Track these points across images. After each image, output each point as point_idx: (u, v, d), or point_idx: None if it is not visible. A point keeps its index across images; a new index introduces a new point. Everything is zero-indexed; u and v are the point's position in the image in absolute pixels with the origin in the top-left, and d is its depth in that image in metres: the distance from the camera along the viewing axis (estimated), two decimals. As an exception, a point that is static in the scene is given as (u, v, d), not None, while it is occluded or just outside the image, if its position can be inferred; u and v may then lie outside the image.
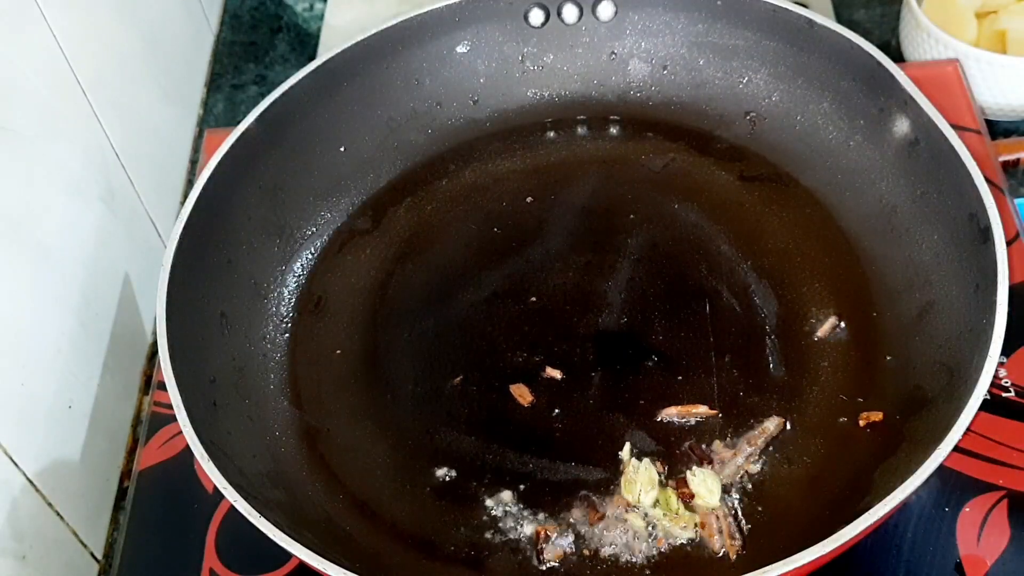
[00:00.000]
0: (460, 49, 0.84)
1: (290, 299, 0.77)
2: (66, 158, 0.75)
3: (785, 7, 0.78)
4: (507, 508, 0.65)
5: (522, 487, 0.65)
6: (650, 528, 0.63)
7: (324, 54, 0.80)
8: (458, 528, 0.64)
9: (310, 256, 0.79)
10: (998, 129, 0.90)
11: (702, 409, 0.67)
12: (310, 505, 0.66)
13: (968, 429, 0.56)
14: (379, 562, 0.62)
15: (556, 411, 0.69)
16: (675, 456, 0.66)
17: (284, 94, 0.77)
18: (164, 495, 0.69)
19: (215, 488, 0.58)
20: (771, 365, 0.70)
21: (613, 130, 0.85)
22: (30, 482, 0.65)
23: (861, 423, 0.65)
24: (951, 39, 0.86)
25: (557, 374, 0.70)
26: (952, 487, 0.64)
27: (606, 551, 0.62)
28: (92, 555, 0.72)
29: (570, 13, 0.84)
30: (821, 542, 0.53)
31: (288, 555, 0.57)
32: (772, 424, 0.66)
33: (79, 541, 0.70)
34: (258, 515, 0.57)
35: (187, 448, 0.60)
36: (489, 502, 0.65)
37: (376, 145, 0.83)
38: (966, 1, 0.90)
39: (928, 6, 0.92)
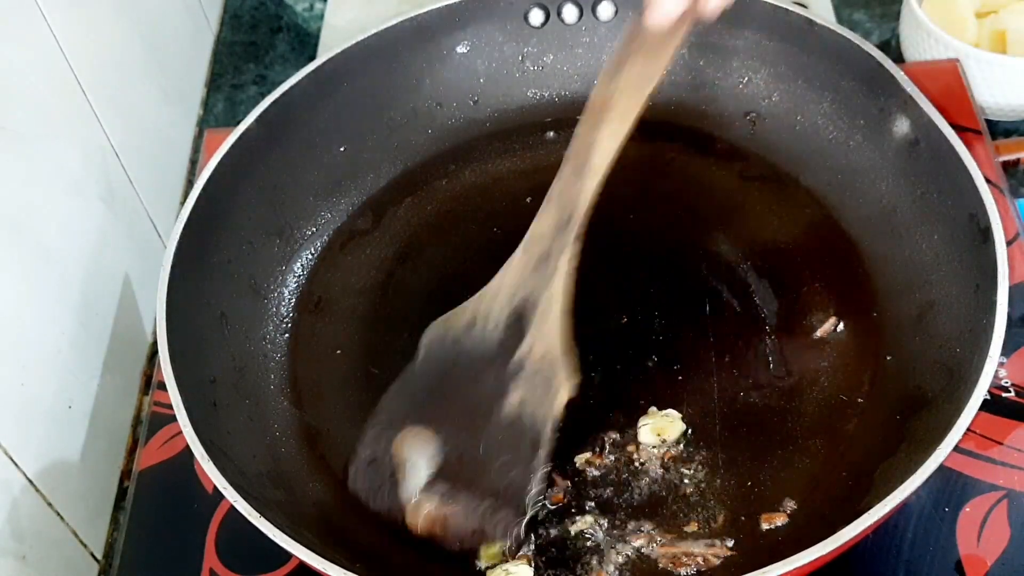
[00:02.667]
0: (460, 49, 0.84)
1: (290, 299, 0.77)
2: (66, 158, 0.75)
3: (785, 7, 0.78)
4: (507, 508, 0.65)
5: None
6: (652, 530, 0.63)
7: (324, 54, 0.80)
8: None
9: (310, 256, 0.79)
10: (998, 129, 0.90)
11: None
12: (310, 505, 0.66)
13: (968, 429, 0.56)
14: (379, 562, 0.62)
15: (556, 411, 0.69)
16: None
17: (284, 94, 0.77)
18: (164, 495, 0.69)
19: (215, 488, 0.58)
20: (771, 365, 0.69)
21: (613, 130, 0.85)
22: (30, 482, 0.65)
23: (765, 525, 0.63)
24: (951, 39, 0.86)
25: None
26: (952, 487, 0.64)
27: (615, 557, 0.62)
28: (92, 555, 0.72)
29: (570, 13, 0.84)
30: (821, 542, 0.53)
31: (288, 555, 0.57)
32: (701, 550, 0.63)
33: (79, 541, 0.70)
34: (258, 515, 0.57)
35: (187, 448, 0.60)
36: (489, 502, 0.65)
37: (376, 145, 0.83)
38: (966, 1, 0.90)
39: (928, 6, 0.92)
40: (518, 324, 0.62)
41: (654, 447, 0.66)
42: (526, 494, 0.60)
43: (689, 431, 0.66)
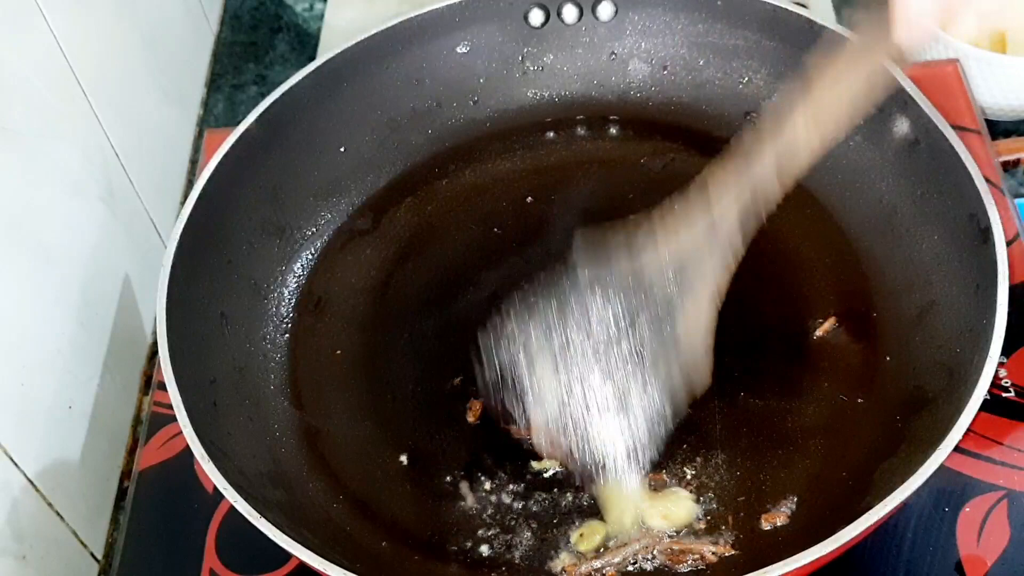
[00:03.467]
0: (460, 49, 0.84)
1: (290, 299, 0.77)
2: (66, 158, 0.75)
3: (785, 7, 0.78)
4: (508, 509, 0.65)
5: (523, 488, 0.65)
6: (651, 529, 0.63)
7: (324, 54, 0.80)
8: (458, 528, 0.64)
9: (310, 256, 0.79)
10: (998, 129, 0.90)
11: None
12: (310, 505, 0.66)
13: (968, 429, 0.56)
14: (379, 562, 0.62)
15: (556, 411, 0.69)
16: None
17: (284, 94, 0.77)
18: (164, 495, 0.69)
19: (215, 488, 0.58)
20: (771, 365, 0.69)
21: (613, 130, 0.85)
22: (30, 482, 0.65)
23: (765, 525, 0.63)
24: (951, 39, 0.86)
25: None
26: (952, 487, 0.64)
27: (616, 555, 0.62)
28: (92, 555, 0.72)
29: (570, 13, 0.84)
30: (821, 542, 0.53)
31: (288, 555, 0.57)
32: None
33: (79, 541, 0.70)
34: (258, 515, 0.57)
35: (187, 448, 0.60)
36: (490, 502, 0.65)
37: (376, 145, 0.83)
38: (966, 1, 0.90)
39: (928, 6, 0.91)
40: (674, 280, 0.62)
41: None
42: (636, 465, 0.62)
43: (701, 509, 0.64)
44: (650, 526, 0.62)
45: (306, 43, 1.07)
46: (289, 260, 0.78)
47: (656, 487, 0.64)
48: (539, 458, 0.66)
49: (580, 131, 0.86)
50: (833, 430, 0.66)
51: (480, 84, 0.86)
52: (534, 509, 0.64)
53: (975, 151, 0.67)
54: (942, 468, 0.55)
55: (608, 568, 0.61)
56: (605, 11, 0.84)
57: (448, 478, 0.66)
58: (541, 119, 0.86)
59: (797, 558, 0.52)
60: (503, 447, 0.67)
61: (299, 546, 0.55)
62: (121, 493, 0.76)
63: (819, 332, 0.71)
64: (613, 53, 0.86)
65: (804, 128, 0.57)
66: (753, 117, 0.82)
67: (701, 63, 0.84)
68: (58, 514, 0.68)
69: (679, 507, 0.63)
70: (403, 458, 0.68)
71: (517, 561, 0.62)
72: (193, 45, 1.03)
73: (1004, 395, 0.68)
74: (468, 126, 0.86)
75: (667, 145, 0.83)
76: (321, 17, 1.08)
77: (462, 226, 0.81)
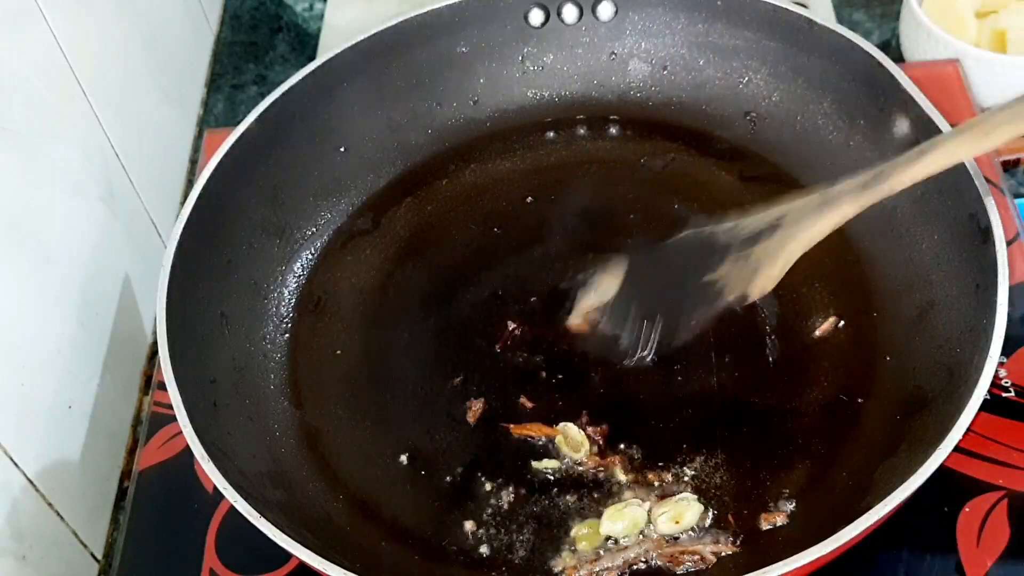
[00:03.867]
0: (460, 49, 0.84)
1: (290, 299, 0.77)
2: (66, 158, 0.75)
3: (785, 7, 0.78)
4: (508, 509, 0.65)
5: (523, 488, 0.65)
6: (651, 528, 0.63)
7: (324, 54, 0.80)
8: (459, 528, 0.64)
9: (310, 256, 0.79)
10: (998, 129, 0.90)
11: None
12: (310, 505, 0.66)
13: (968, 429, 0.56)
14: (379, 562, 0.62)
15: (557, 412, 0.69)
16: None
17: (284, 94, 0.77)
18: (164, 495, 0.69)
19: (215, 488, 0.58)
20: (771, 365, 0.69)
21: (613, 130, 0.85)
22: (30, 482, 0.65)
23: (765, 525, 0.63)
24: (951, 39, 0.86)
25: (558, 374, 0.70)
26: (952, 487, 0.64)
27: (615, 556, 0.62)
28: (92, 555, 0.72)
29: (570, 13, 0.84)
30: (821, 542, 0.53)
31: (288, 555, 0.57)
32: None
33: (79, 541, 0.70)
34: (258, 515, 0.57)
35: (187, 448, 0.60)
36: (490, 502, 0.65)
37: (376, 145, 0.83)
38: (966, 1, 0.90)
39: (928, 6, 0.92)
40: (767, 231, 0.65)
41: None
42: (673, 338, 0.67)
43: (710, 513, 0.63)
44: (661, 532, 0.62)
45: (306, 43, 1.07)
46: (289, 260, 0.78)
47: (662, 492, 0.64)
48: (539, 458, 0.66)
49: (580, 131, 0.86)
50: (833, 430, 0.66)
51: (480, 84, 0.86)
52: (534, 509, 0.64)
53: (975, 151, 0.67)
54: (942, 468, 0.55)
55: (608, 571, 0.61)
56: (605, 11, 0.84)
57: (448, 478, 0.66)
58: (541, 119, 0.86)
59: (797, 558, 0.52)
60: (503, 447, 0.67)
61: (299, 546, 0.55)
62: (121, 493, 0.76)
63: (819, 332, 0.71)
64: (613, 53, 0.86)
65: (963, 148, 0.59)
66: (753, 117, 0.82)
67: (701, 63, 0.84)
68: (58, 514, 0.68)
69: (688, 510, 0.62)
70: (403, 458, 0.68)
71: (517, 561, 0.62)
72: (193, 45, 1.03)
73: (1004, 395, 0.68)
74: (468, 126, 0.86)
75: (667, 145, 0.83)
76: (321, 17, 1.08)
77: (462, 226, 0.81)
